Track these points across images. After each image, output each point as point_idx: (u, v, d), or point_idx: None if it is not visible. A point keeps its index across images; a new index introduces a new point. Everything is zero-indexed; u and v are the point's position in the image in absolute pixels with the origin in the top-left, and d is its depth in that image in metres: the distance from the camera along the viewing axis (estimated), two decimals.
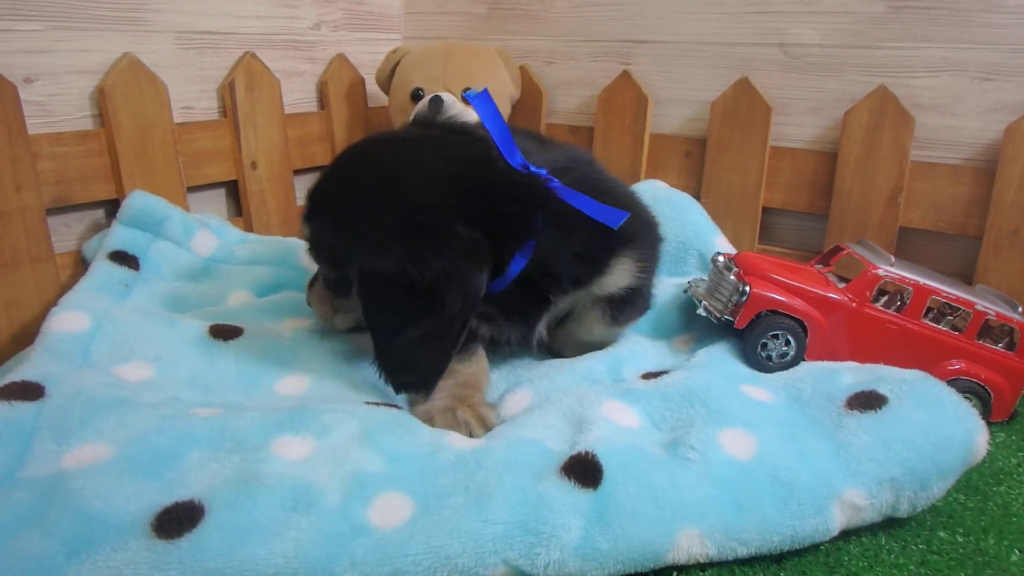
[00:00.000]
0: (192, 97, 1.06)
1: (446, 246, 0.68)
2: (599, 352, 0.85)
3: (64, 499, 0.55)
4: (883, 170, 1.01)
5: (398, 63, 1.17)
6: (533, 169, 0.72)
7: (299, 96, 1.21)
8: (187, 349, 0.78)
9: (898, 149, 1.00)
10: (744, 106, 1.08)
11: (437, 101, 1.06)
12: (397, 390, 0.72)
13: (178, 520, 0.53)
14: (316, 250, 0.77)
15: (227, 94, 1.08)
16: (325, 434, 0.64)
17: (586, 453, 0.62)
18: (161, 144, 1.00)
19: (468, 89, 0.74)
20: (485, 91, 0.74)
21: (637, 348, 0.87)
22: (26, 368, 0.66)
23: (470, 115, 1.09)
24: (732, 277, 0.85)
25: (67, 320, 0.76)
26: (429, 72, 1.12)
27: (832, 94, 1.05)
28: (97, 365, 0.72)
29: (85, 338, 0.75)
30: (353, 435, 0.64)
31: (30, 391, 0.64)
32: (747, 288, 0.81)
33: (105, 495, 0.55)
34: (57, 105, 0.92)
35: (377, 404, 0.73)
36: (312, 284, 0.85)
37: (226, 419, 0.65)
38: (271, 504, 0.56)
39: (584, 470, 0.61)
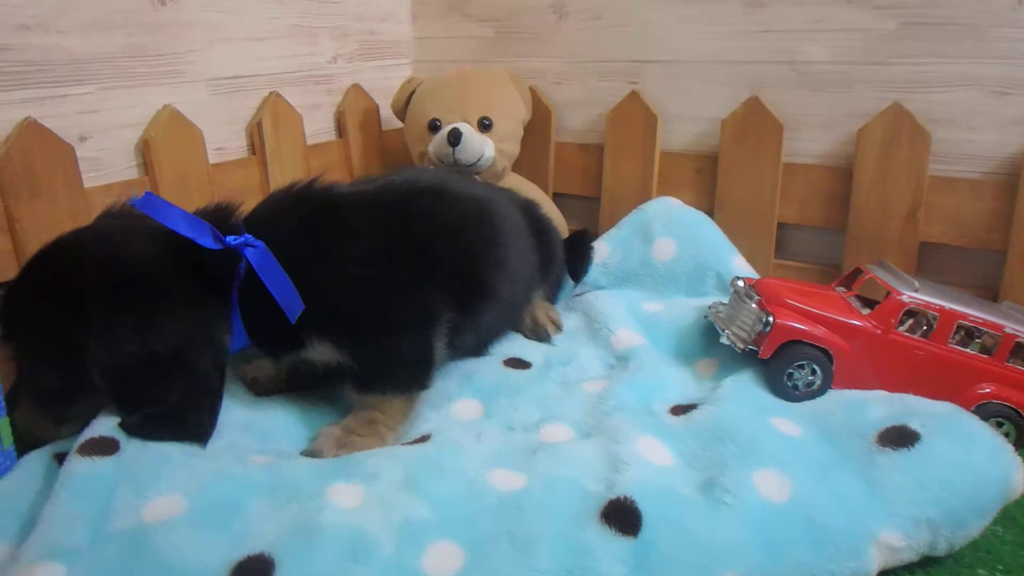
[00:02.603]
0: (224, 138, 1.07)
1: (179, 308, 0.69)
2: (626, 379, 0.83)
3: (149, 555, 0.56)
4: (900, 186, 0.99)
5: (413, 92, 1.15)
6: (232, 242, 0.72)
7: (319, 127, 1.20)
8: (241, 394, 0.79)
9: (915, 164, 0.98)
10: (755, 123, 1.06)
11: (456, 133, 1.04)
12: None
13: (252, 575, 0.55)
14: (30, 363, 0.71)
15: (255, 133, 1.08)
16: (373, 480, 0.64)
17: (624, 499, 0.61)
18: (198, 185, 1.01)
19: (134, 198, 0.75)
20: (147, 193, 0.74)
21: (662, 376, 0.86)
22: (99, 424, 0.67)
23: (487, 146, 1.08)
24: (754, 306, 0.84)
25: None
26: (445, 102, 1.10)
27: (844, 110, 1.03)
28: None
29: None
30: (399, 481, 0.64)
31: (106, 446, 0.65)
32: (771, 319, 0.80)
33: (184, 549, 0.56)
34: (107, 158, 0.94)
35: (412, 443, 0.73)
36: (14, 406, 0.73)
37: (281, 467, 0.66)
38: (332, 554, 0.56)
39: (623, 516, 0.60)
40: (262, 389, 0.82)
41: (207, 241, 0.70)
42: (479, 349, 0.90)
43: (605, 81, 1.19)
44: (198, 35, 1.00)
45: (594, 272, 1.10)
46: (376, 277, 0.75)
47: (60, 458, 0.68)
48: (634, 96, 1.14)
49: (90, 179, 0.91)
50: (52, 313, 0.68)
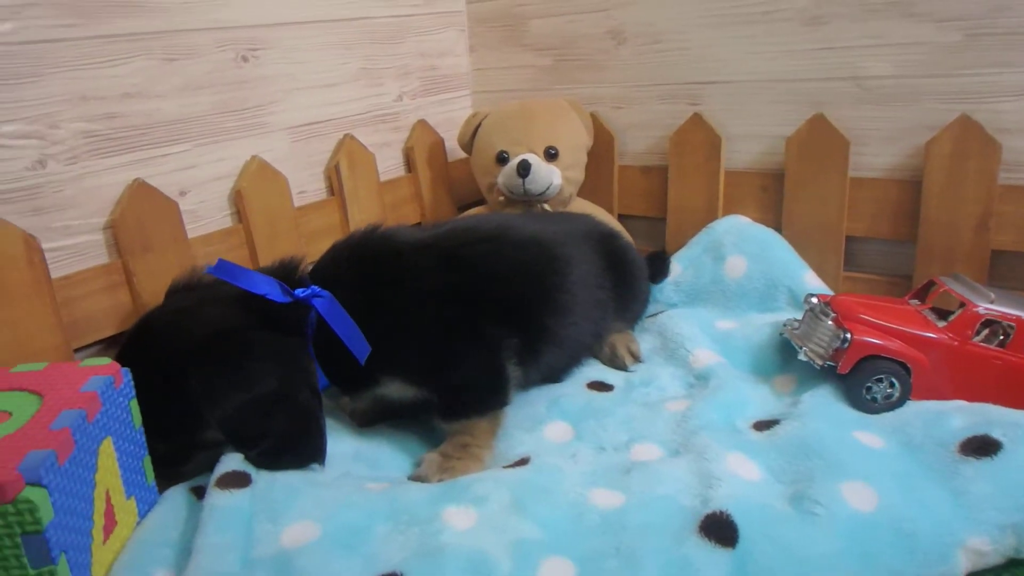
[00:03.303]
0: (304, 182, 1.18)
1: (265, 353, 0.79)
2: (708, 398, 0.91)
3: None
4: (970, 196, 1.05)
5: (479, 126, 1.25)
6: (300, 294, 0.83)
7: (389, 164, 1.31)
8: (347, 427, 0.90)
9: (985, 175, 1.03)
10: (820, 140, 1.13)
11: (525, 165, 1.14)
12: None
13: None
14: (154, 434, 0.79)
15: (333, 175, 1.20)
16: (483, 503, 0.73)
17: (721, 513, 0.69)
18: (286, 229, 1.13)
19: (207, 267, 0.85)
20: (220, 261, 0.85)
21: (742, 393, 0.94)
22: (229, 460, 0.77)
23: (555, 175, 1.17)
24: (830, 323, 0.91)
25: None
26: (511, 134, 1.19)
27: (910, 123, 1.09)
28: None
29: None
30: (507, 504, 0.73)
31: (240, 479, 0.75)
32: (848, 335, 0.87)
33: (324, 570, 0.65)
34: (204, 210, 1.06)
35: (511, 466, 0.82)
36: None
37: (396, 493, 0.76)
38: (457, 573, 0.64)
39: (721, 530, 0.68)
40: (363, 419, 0.93)
41: (277, 296, 0.82)
42: (550, 380, 0.99)
43: (665, 104, 1.27)
44: (276, 87, 1.12)
45: (666, 290, 1.19)
46: (434, 318, 0.85)
47: (197, 491, 0.79)
48: (696, 118, 1.22)
49: (191, 230, 1.03)
50: (158, 393, 0.78)
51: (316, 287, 0.84)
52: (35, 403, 0.67)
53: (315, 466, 0.79)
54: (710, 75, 1.22)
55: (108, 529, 0.68)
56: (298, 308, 0.83)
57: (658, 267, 1.18)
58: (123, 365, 0.77)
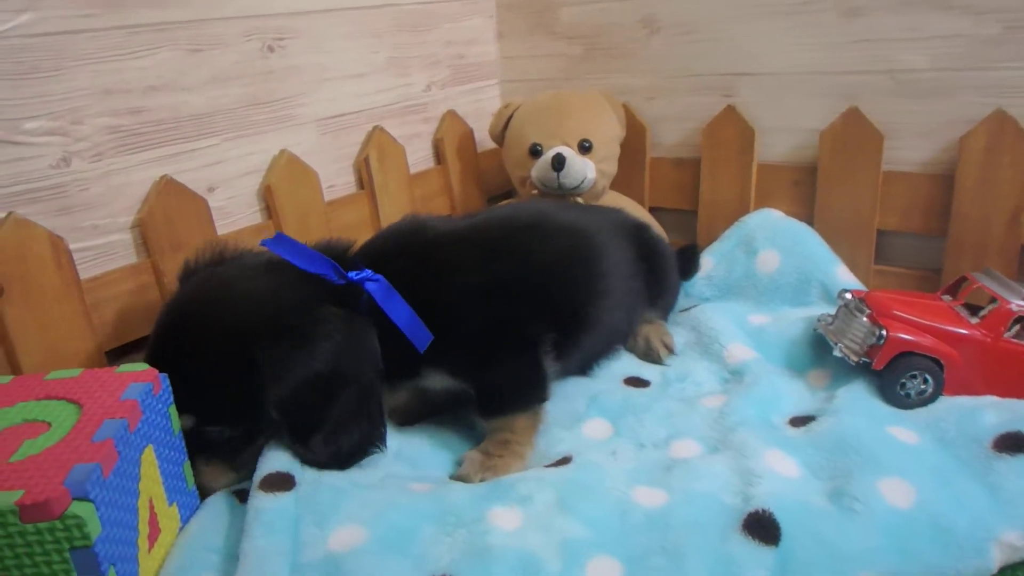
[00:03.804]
0: (333, 175, 1.21)
1: (333, 329, 0.78)
2: (743, 393, 0.95)
3: None
4: (1003, 191, 1.08)
5: (511, 117, 1.28)
6: (354, 277, 0.83)
7: (419, 156, 1.34)
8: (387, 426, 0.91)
9: (1018, 170, 1.07)
10: (854, 135, 1.16)
11: (560, 159, 1.17)
12: (346, 467, 0.81)
13: None
14: (205, 419, 0.78)
15: (363, 168, 1.22)
16: (528, 503, 0.77)
17: (763, 511, 0.73)
18: (317, 224, 1.16)
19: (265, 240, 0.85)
20: (278, 234, 0.85)
21: (777, 388, 0.98)
22: (272, 460, 0.80)
23: (589, 168, 1.20)
24: (865, 319, 0.95)
25: None
26: (544, 127, 1.23)
27: (945, 117, 1.12)
28: None
29: None
30: (552, 503, 0.77)
31: (284, 482, 0.78)
32: (884, 332, 0.91)
33: (374, 573, 0.69)
34: (233, 206, 1.08)
35: (553, 465, 0.86)
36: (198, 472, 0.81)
37: (440, 493, 0.79)
38: (506, 573, 0.68)
39: (764, 528, 0.72)
40: (401, 417, 0.97)
41: (332, 276, 0.83)
42: (584, 369, 1.03)
43: (698, 96, 1.30)
44: (304, 78, 1.14)
45: (698, 284, 1.23)
46: (475, 312, 0.87)
47: (239, 494, 0.82)
48: (730, 110, 1.25)
49: (221, 227, 1.04)
50: (222, 368, 0.77)
51: (369, 271, 0.84)
52: (74, 413, 0.68)
53: (363, 462, 0.82)
54: (744, 67, 1.25)
55: (153, 537, 0.71)
56: (351, 290, 0.83)
57: (688, 262, 1.22)
58: (170, 349, 0.78)
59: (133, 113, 0.94)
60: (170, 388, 0.77)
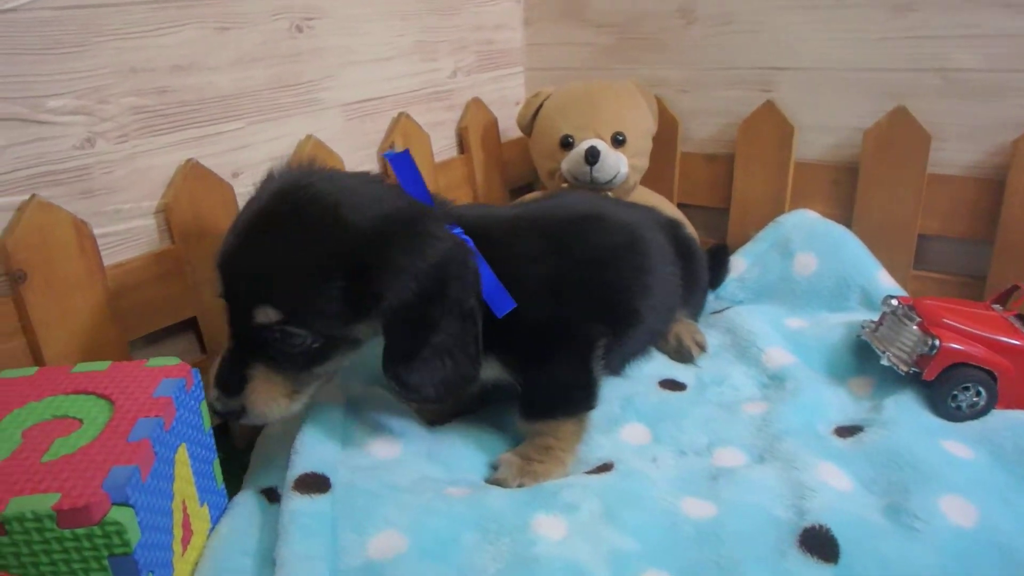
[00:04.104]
0: (358, 161, 1.18)
1: (448, 246, 0.75)
2: (787, 401, 0.94)
3: None
4: None
5: (540, 107, 1.25)
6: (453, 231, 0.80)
7: (443, 144, 1.31)
8: (416, 425, 0.90)
9: None
10: (900, 134, 1.14)
11: (594, 152, 1.14)
12: (422, 401, 0.78)
13: None
14: (304, 318, 0.72)
15: None
16: (573, 512, 0.75)
17: (820, 527, 0.72)
18: None
19: (390, 150, 0.84)
20: (406, 152, 0.82)
21: (821, 396, 0.96)
22: (306, 457, 0.79)
23: (622, 163, 1.18)
24: (915, 328, 0.94)
25: (327, 395, 0.89)
26: (576, 119, 1.20)
27: (994, 119, 1.11)
28: (356, 443, 0.85)
29: (342, 415, 0.88)
30: (598, 512, 0.76)
31: (320, 483, 0.76)
32: (937, 342, 0.90)
33: None
34: None
35: (595, 471, 0.84)
36: (238, 381, 0.75)
37: (480, 499, 0.77)
38: None
39: (822, 545, 0.71)
40: (432, 415, 0.95)
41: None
42: (617, 369, 1.02)
43: (734, 90, 1.28)
44: (332, 60, 1.11)
45: (731, 287, 1.21)
46: (541, 302, 0.84)
47: (267, 494, 0.81)
48: (769, 106, 1.23)
49: None
50: (328, 263, 0.71)
51: (460, 230, 0.81)
52: (106, 409, 0.66)
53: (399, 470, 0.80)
54: (784, 60, 1.23)
55: (186, 540, 0.69)
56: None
57: (719, 263, 1.20)
58: (266, 237, 0.72)
59: (159, 93, 0.91)
60: (201, 389, 0.75)
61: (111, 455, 0.60)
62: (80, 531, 0.55)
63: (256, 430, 0.96)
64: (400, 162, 0.82)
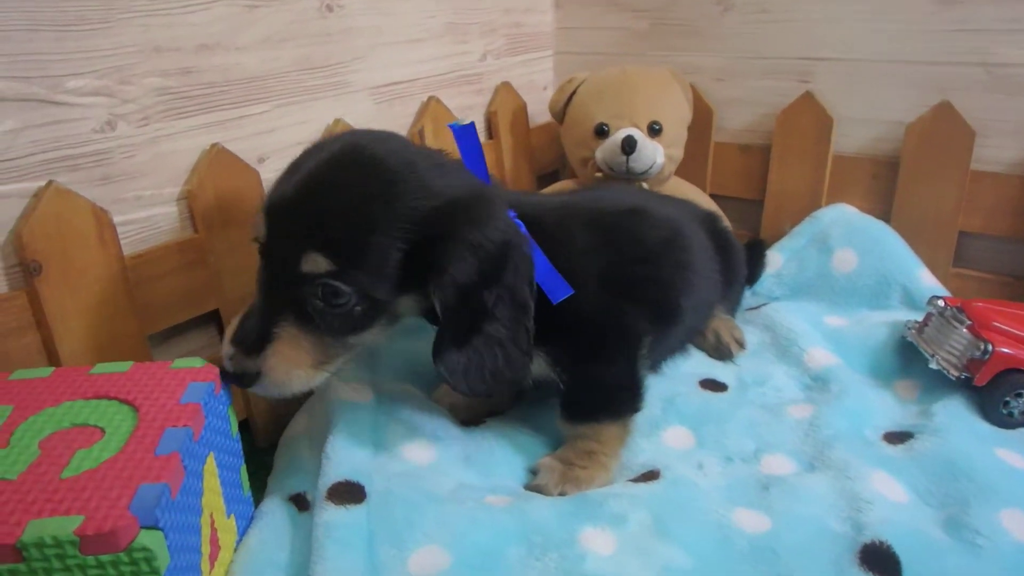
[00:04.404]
0: None
1: (510, 230, 0.69)
2: (833, 404, 0.87)
3: None
4: None
5: (574, 93, 1.17)
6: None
7: None
8: (450, 426, 0.84)
9: None
10: (944, 130, 1.07)
11: (631, 141, 1.07)
12: (471, 394, 0.70)
13: None
14: (355, 274, 0.64)
15: (416, 140, 1.11)
16: (621, 524, 0.69)
17: (880, 543, 0.66)
18: None
19: (455, 122, 0.77)
20: (471, 125, 0.76)
21: (867, 399, 0.90)
22: (338, 464, 0.72)
23: (659, 153, 1.10)
24: (965, 331, 0.87)
25: (355, 393, 0.83)
26: (612, 107, 1.12)
27: None
28: (389, 447, 0.78)
29: (372, 414, 0.81)
30: (648, 525, 0.70)
31: (354, 492, 0.70)
32: (990, 347, 0.83)
33: None
34: None
35: (640, 479, 0.78)
36: (259, 339, 0.65)
37: (523, 509, 0.71)
38: None
39: (883, 562, 0.65)
40: (464, 413, 0.88)
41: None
42: (655, 366, 0.95)
43: (771, 79, 1.20)
44: (361, 41, 1.03)
45: (767, 282, 1.14)
46: (592, 297, 0.77)
47: (296, 501, 0.74)
48: (808, 97, 1.15)
49: None
50: (392, 219, 0.64)
51: (514, 213, 0.74)
52: (129, 417, 0.59)
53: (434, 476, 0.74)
54: (824, 51, 1.15)
55: (213, 557, 0.62)
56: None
57: (756, 258, 1.13)
58: (329, 184, 0.64)
59: (184, 74, 0.83)
60: (228, 392, 0.67)
61: (137, 471, 0.53)
62: (105, 558, 0.48)
63: (279, 428, 0.89)
64: (465, 135, 0.75)
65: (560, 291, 0.72)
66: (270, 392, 0.67)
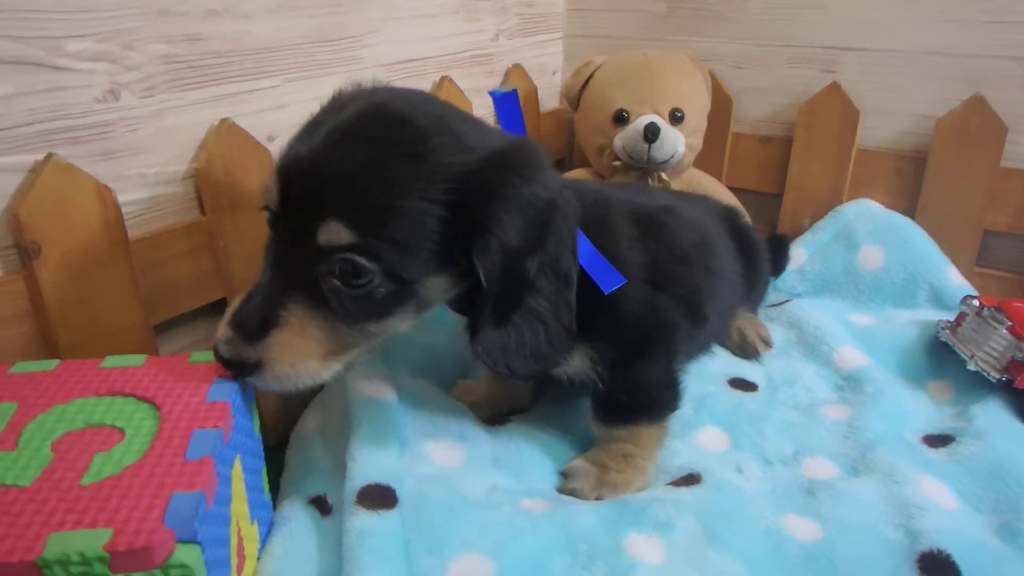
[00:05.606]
0: None
1: (554, 188, 0.62)
2: (869, 405, 0.86)
3: None
4: None
5: (590, 77, 1.14)
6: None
7: (482, 113, 1.18)
8: (475, 425, 0.80)
9: None
10: (975, 124, 1.06)
11: (654, 129, 1.03)
12: (509, 376, 0.64)
13: None
14: (379, 246, 0.56)
15: None
16: (668, 531, 0.67)
17: (939, 552, 0.65)
18: None
19: (497, 89, 0.73)
20: (513, 92, 0.71)
21: (902, 400, 0.89)
22: (366, 466, 0.68)
23: (680, 142, 1.07)
24: (1006, 332, 0.86)
25: (376, 388, 0.79)
26: (633, 92, 1.08)
27: None
28: (415, 447, 0.74)
29: (394, 411, 0.77)
30: (696, 533, 0.67)
31: (386, 497, 0.66)
32: None
33: None
34: None
35: (679, 483, 0.75)
36: (262, 323, 0.58)
37: (562, 515, 0.68)
38: None
39: (942, 571, 0.64)
40: (484, 412, 0.85)
41: None
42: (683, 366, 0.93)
43: (794, 68, 1.18)
44: (374, 14, 0.98)
45: (790, 278, 1.12)
46: (637, 290, 0.74)
47: (317, 504, 0.71)
48: (834, 87, 1.13)
49: None
50: (432, 184, 0.57)
51: None
52: (151, 417, 0.54)
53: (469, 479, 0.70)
54: (851, 40, 1.13)
55: (240, 568, 0.58)
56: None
57: (779, 255, 1.11)
58: (352, 145, 0.57)
59: (190, 41, 0.77)
60: (252, 388, 0.61)
61: (168, 477, 0.48)
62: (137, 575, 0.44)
63: (289, 424, 0.85)
64: (506, 102, 0.70)
65: (612, 280, 0.67)
66: (271, 386, 0.59)
